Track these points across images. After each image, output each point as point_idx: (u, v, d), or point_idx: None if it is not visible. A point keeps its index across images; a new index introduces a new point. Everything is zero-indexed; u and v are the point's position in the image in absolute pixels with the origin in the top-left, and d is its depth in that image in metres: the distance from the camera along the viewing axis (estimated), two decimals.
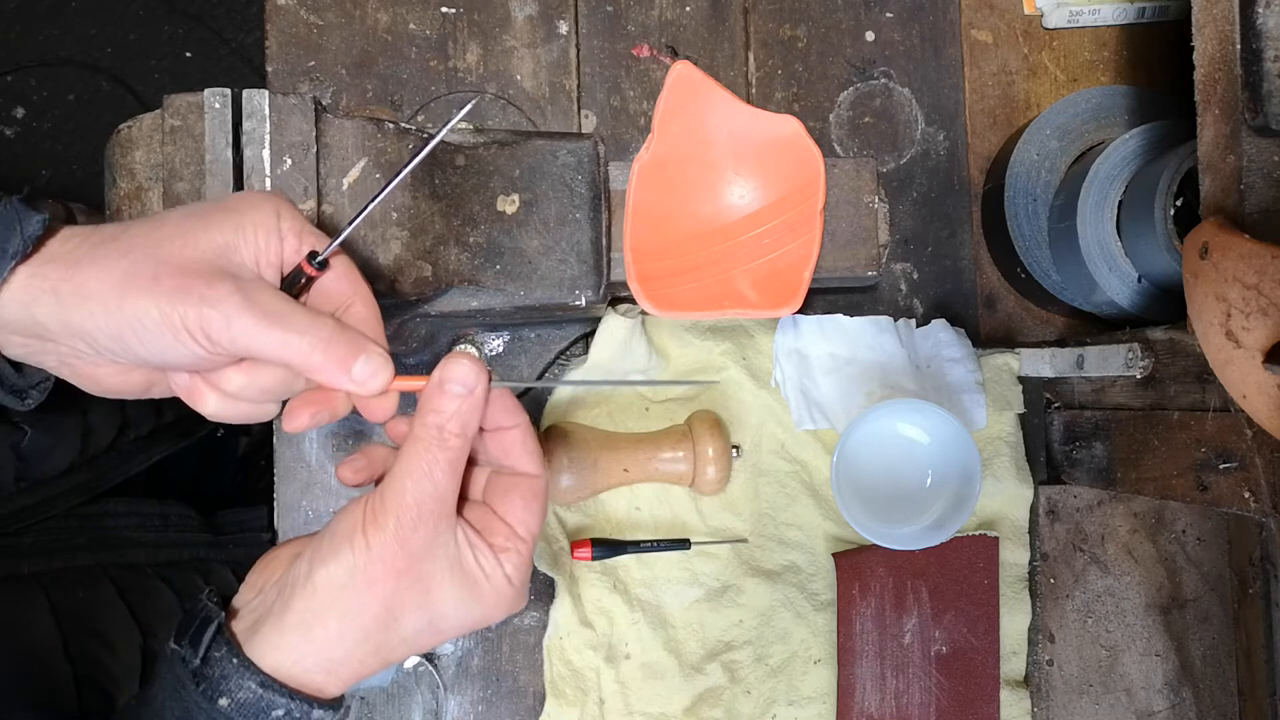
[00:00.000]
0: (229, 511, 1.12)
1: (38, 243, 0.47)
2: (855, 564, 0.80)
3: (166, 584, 0.96)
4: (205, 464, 1.36)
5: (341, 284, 0.52)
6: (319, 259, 0.50)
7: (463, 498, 0.52)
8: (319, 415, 0.51)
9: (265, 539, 1.07)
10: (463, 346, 0.79)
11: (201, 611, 0.50)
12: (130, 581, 0.93)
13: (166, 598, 0.95)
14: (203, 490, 1.25)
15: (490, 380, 0.50)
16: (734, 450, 0.78)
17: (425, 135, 0.63)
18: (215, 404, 0.51)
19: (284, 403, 0.53)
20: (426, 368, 0.78)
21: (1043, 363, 0.80)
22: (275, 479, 0.81)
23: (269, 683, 0.47)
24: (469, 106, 0.52)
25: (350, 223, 0.51)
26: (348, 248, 0.56)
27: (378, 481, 0.54)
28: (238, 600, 0.52)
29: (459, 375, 0.49)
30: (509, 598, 0.52)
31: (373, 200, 0.52)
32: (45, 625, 0.83)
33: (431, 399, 0.49)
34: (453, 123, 0.52)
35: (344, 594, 0.48)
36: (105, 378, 0.51)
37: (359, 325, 0.51)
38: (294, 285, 0.50)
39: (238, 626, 0.50)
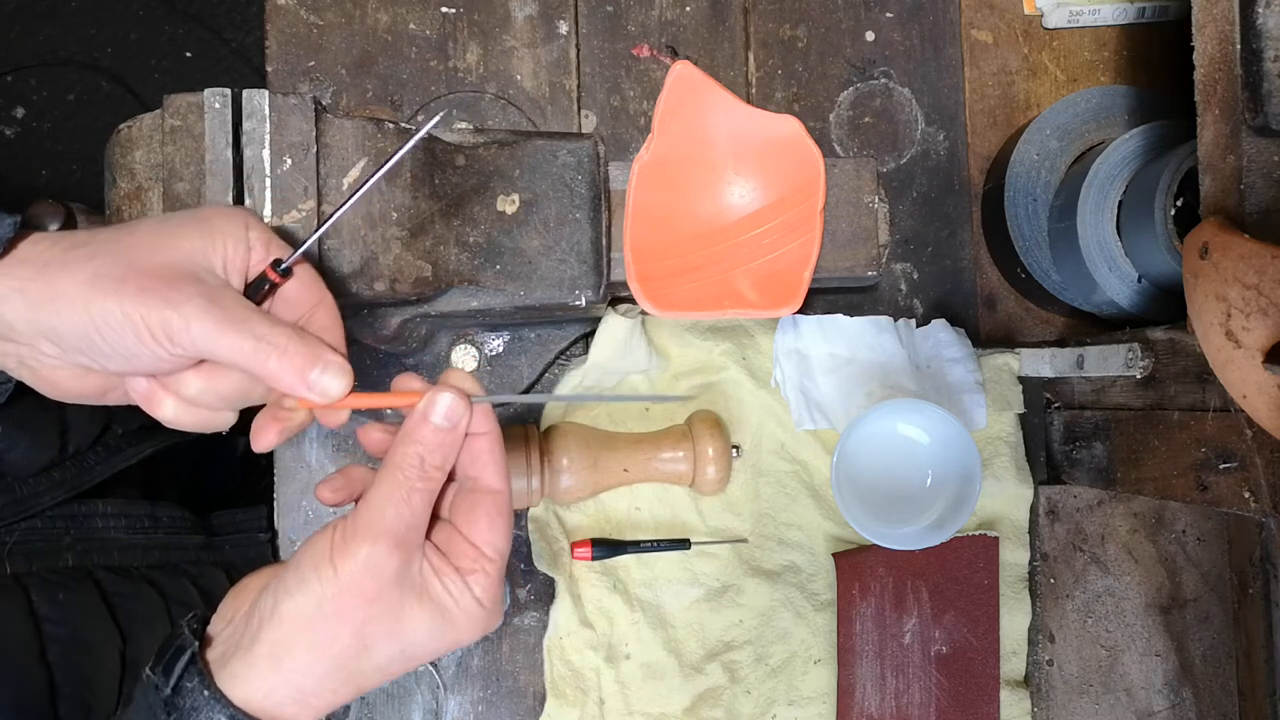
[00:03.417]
0: (224, 512, 1.12)
1: (8, 245, 0.48)
2: (855, 564, 0.80)
3: (154, 587, 0.96)
4: (204, 464, 1.35)
5: (306, 292, 0.52)
6: (283, 266, 0.51)
7: (432, 516, 0.52)
8: (286, 430, 0.51)
9: (262, 539, 1.06)
10: (462, 347, 0.79)
11: (177, 639, 0.50)
12: (116, 584, 0.93)
13: (151, 601, 0.94)
14: (202, 490, 1.24)
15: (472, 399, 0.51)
16: (734, 450, 0.78)
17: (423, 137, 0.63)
18: (172, 409, 0.52)
19: (240, 412, 0.53)
20: (426, 368, 0.78)
21: (1043, 363, 0.80)
22: (275, 479, 0.81)
23: (239, 716, 0.47)
24: (437, 119, 0.52)
25: (314, 233, 0.52)
26: (319, 257, 0.57)
27: (356, 501, 0.54)
28: (212, 628, 0.52)
29: (445, 409, 0.49)
30: (480, 619, 0.51)
31: (337, 211, 0.52)
32: (23, 628, 0.82)
33: (416, 429, 0.49)
34: (418, 136, 0.52)
35: (311, 625, 0.48)
36: (63, 380, 0.51)
37: (321, 332, 0.52)
38: (258, 291, 0.51)
39: (211, 655, 0.50)
